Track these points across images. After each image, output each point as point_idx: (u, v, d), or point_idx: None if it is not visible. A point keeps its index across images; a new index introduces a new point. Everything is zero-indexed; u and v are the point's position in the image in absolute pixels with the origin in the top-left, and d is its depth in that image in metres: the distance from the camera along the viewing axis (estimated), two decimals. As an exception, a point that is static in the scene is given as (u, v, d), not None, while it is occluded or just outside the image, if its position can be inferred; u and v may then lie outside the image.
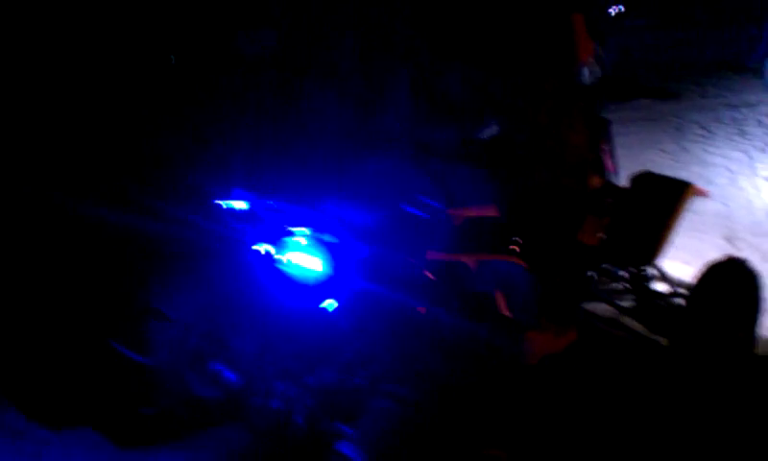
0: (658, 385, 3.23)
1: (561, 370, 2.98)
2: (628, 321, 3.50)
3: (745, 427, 3.03)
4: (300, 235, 2.53)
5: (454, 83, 2.90)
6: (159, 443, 2.85)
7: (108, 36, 3.59)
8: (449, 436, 2.42)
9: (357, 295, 2.53)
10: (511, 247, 2.73)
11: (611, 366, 3.33)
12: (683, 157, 6.19)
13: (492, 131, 2.89)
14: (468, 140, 2.91)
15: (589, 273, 3.33)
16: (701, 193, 3.39)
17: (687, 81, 7.68)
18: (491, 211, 2.73)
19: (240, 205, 2.64)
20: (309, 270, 2.52)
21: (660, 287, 3.46)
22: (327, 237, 2.51)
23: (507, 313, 2.74)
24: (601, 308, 3.50)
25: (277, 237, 2.56)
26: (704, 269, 3.31)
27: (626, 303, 3.44)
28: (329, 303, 2.54)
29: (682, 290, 3.38)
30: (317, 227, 2.53)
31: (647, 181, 3.40)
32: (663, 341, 3.43)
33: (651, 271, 3.41)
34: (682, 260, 3.86)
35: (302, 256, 2.53)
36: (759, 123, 6.74)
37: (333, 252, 2.51)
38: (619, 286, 3.43)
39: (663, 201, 3.30)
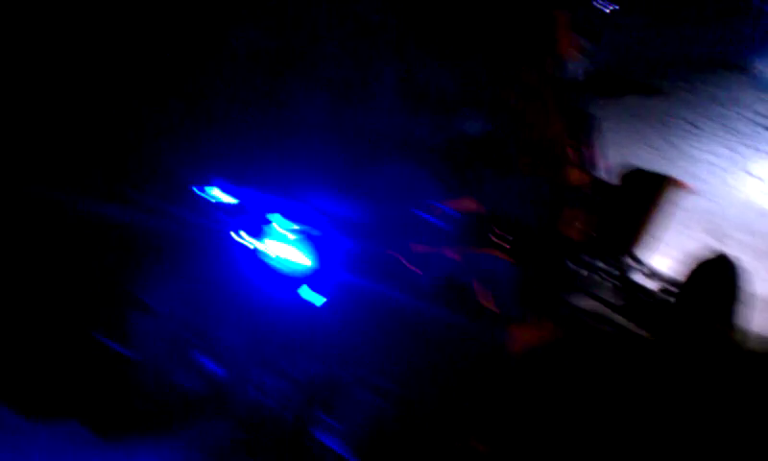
0: (642, 379, 3.25)
1: (544, 363, 2.99)
2: (611, 314, 3.51)
3: (729, 420, 3.05)
4: (285, 228, 2.53)
5: (438, 76, 2.91)
6: (143, 434, 2.84)
7: (93, 26, 3.58)
8: (432, 428, 2.42)
9: (341, 288, 2.53)
10: (494, 240, 2.73)
11: (595, 360, 3.34)
12: (669, 152, 6.20)
13: (474, 124, 2.89)
14: (450, 134, 2.91)
15: (575, 267, 3.35)
16: (682, 186, 3.41)
17: (676, 77, 7.69)
18: (473, 205, 2.73)
19: (224, 196, 2.64)
20: (294, 262, 2.52)
21: (645, 282, 3.48)
22: (312, 230, 2.51)
23: (490, 306, 2.74)
24: (585, 302, 3.51)
25: (260, 228, 2.56)
26: (689, 264, 3.33)
27: (611, 298, 3.46)
28: (314, 296, 2.54)
29: (666, 285, 3.40)
30: (301, 220, 2.53)
31: (629, 174, 3.43)
32: (648, 335, 3.45)
33: (635, 265, 3.43)
34: (667, 256, 3.88)
35: (287, 249, 2.53)
36: (747, 120, 6.76)
37: (318, 245, 2.51)
38: (603, 280, 3.44)
39: (644, 194, 3.32)
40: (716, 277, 3.40)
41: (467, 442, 2.50)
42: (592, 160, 3.33)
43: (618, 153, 5.31)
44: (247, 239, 2.57)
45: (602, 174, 3.41)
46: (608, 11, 3.50)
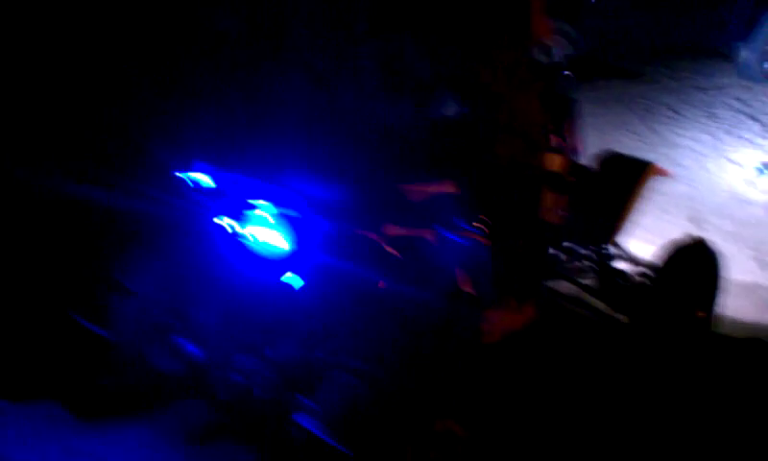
0: (618, 363, 3.28)
1: (521, 347, 3.01)
2: (590, 299, 3.54)
3: (704, 404, 3.08)
4: (263, 210, 2.52)
5: (415, 58, 2.90)
6: (120, 416, 2.84)
7: (70, 13, 3.54)
8: (408, 410, 2.43)
9: (319, 270, 2.53)
10: (472, 223, 2.74)
11: (572, 343, 3.37)
12: (651, 138, 6.23)
13: (452, 107, 2.89)
14: (428, 117, 2.91)
15: (553, 251, 3.36)
16: (662, 173, 3.43)
17: (658, 63, 7.72)
18: (450, 188, 2.74)
19: (203, 178, 2.63)
20: (272, 245, 2.52)
21: (624, 266, 3.50)
22: (290, 212, 2.51)
23: (469, 290, 2.75)
24: (564, 286, 3.53)
25: (240, 211, 2.56)
26: (667, 249, 3.35)
27: (589, 282, 3.48)
28: (292, 278, 2.54)
29: (644, 269, 3.42)
30: (279, 202, 2.53)
31: (609, 160, 3.44)
32: (625, 319, 3.48)
33: (614, 249, 3.45)
34: (646, 240, 3.91)
35: (265, 231, 2.53)
36: (728, 106, 6.79)
37: (296, 227, 2.51)
38: (582, 265, 3.46)
39: (624, 180, 3.34)
40: (694, 262, 3.43)
41: (445, 425, 2.51)
42: (573, 145, 3.34)
43: (599, 138, 5.36)
44: (227, 222, 2.57)
45: (582, 159, 3.43)
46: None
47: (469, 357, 2.67)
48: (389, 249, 2.56)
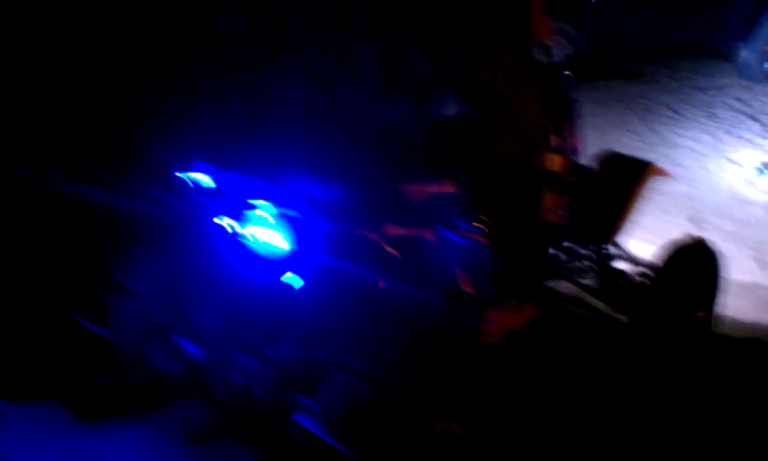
0: (618, 363, 3.28)
1: (521, 347, 3.01)
2: (590, 299, 3.54)
3: (704, 404, 3.08)
4: (263, 210, 2.52)
5: (415, 58, 2.90)
6: (120, 416, 2.84)
7: (70, 12, 3.54)
8: (408, 410, 2.43)
9: (319, 270, 2.53)
10: (472, 223, 2.74)
11: (572, 343, 3.37)
12: (651, 138, 6.23)
13: (451, 107, 2.89)
14: (428, 117, 2.91)
15: (553, 251, 3.36)
16: (662, 173, 3.43)
17: (658, 63, 7.72)
18: (450, 188, 2.74)
19: (203, 178, 2.63)
20: (272, 245, 2.51)
21: (624, 266, 3.50)
22: (290, 212, 2.51)
23: (468, 289, 2.75)
24: (564, 286, 3.53)
25: (240, 211, 2.56)
26: (667, 249, 3.35)
27: (589, 282, 3.48)
28: (292, 278, 2.54)
29: (644, 269, 3.42)
30: (279, 202, 2.52)
31: (609, 160, 3.44)
32: (625, 319, 3.48)
33: (614, 250, 3.45)
34: (646, 240, 3.91)
35: (265, 231, 2.52)
36: (728, 106, 6.79)
37: (296, 227, 2.51)
38: (582, 265, 3.46)
39: (624, 180, 3.34)
40: (694, 262, 3.43)
41: (445, 425, 2.51)
42: (573, 145, 3.34)
43: (599, 138, 5.36)
44: (227, 222, 2.57)
45: (582, 159, 3.43)
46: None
47: (469, 357, 2.66)
48: (389, 249, 2.55)
